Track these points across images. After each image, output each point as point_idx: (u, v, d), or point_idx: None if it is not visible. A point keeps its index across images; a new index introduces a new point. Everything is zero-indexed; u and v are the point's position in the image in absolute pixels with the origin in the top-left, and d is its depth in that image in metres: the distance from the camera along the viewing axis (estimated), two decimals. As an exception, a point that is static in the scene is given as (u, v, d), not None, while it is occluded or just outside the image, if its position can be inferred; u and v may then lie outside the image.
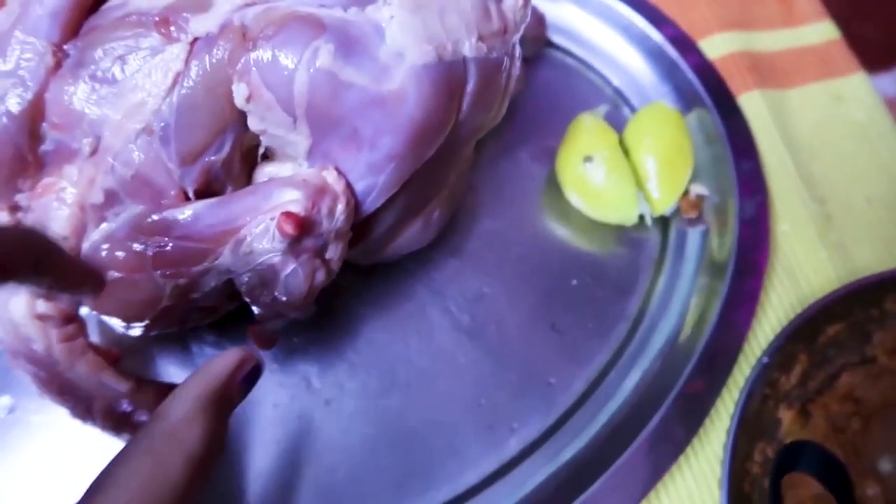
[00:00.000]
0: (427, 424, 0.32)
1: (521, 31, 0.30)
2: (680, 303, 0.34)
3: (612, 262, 0.36)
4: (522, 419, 0.32)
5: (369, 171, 0.27)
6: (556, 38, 0.41)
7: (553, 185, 0.37)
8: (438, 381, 0.33)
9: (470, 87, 0.28)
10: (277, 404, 0.32)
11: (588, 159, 0.35)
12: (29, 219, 0.27)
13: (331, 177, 0.26)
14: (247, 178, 0.29)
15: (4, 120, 0.26)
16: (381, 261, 0.33)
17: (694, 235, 0.36)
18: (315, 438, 0.32)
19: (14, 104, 0.26)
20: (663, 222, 0.36)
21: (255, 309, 0.29)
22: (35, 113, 0.26)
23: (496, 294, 0.35)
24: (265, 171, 0.29)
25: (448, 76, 0.26)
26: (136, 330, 0.30)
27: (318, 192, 0.26)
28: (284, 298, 0.27)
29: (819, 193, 0.37)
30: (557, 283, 0.35)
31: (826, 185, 0.37)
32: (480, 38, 0.28)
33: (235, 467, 0.31)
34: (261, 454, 0.31)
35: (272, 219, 0.25)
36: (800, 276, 0.35)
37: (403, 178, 0.27)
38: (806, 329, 0.32)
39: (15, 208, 0.28)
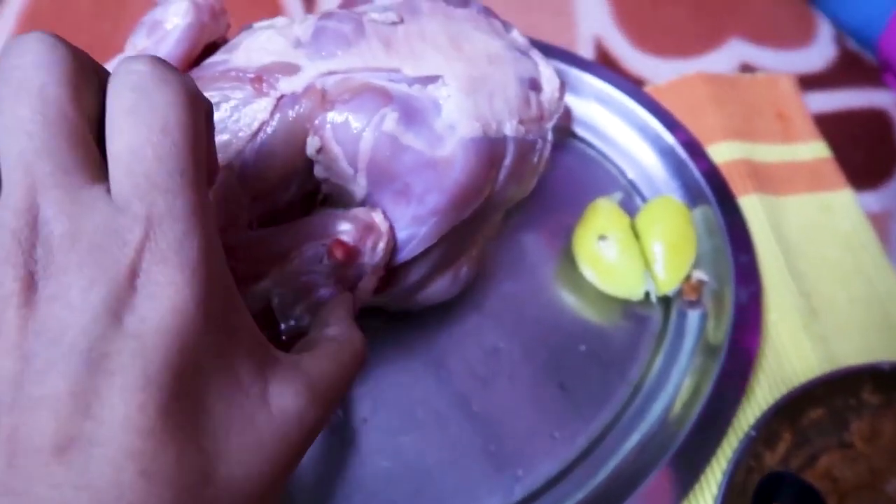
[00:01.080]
0: (440, 464, 0.34)
1: (554, 120, 0.35)
2: (678, 375, 0.37)
3: (618, 333, 0.39)
4: (528, 467, 0.34)
5: (413, 222, 0.30)
6: (581, 131, 0.45)
7: (568, 258, 0.40)
8: (452, 424, 0.35)
9: (507, 161, 0.32)
10: (303, 431, 0.35)
11: (602, 238, 0.39)
12: None
13: (378, 217, 0.30)
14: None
15: None
16: (410, 308, 0.36)
17: (693, 316, 0.39)
18: (334, 467, 0.34)
19: None
20: (666, 302, 0.40)
21: (283, 329, 0.32)
22: None
23: (511, 350, 0.38)
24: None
25: (490, 150, 0.30)
26: None
27: (367, 227, 0.29)
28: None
29: (806, 289, 0.40)
30: (567, 345, 0.38)
31: (813, 283, 0.41)
32: (520, 122, 0.32)
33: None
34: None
35: (324, 245, 0.29)
36: (785, 361, 0.38)
37: (441, 232, 0.31)
38: (790, 409, 0.35)
39: None
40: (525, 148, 0.33)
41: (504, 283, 0.40)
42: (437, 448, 0.35)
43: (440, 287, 0.35)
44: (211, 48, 0.33)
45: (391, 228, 0.30)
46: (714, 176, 0.42)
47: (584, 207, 0.41)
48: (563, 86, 0.35)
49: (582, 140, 0.45)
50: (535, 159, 0.34)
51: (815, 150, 0.46)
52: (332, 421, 0.35)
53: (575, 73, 0.46)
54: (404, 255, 0.31)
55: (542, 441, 0.35)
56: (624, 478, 0.33)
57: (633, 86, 0.45)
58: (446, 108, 0.30)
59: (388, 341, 0.37)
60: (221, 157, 0.29)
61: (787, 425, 0.35)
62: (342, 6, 0.35)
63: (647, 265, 0.39)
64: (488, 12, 0.35)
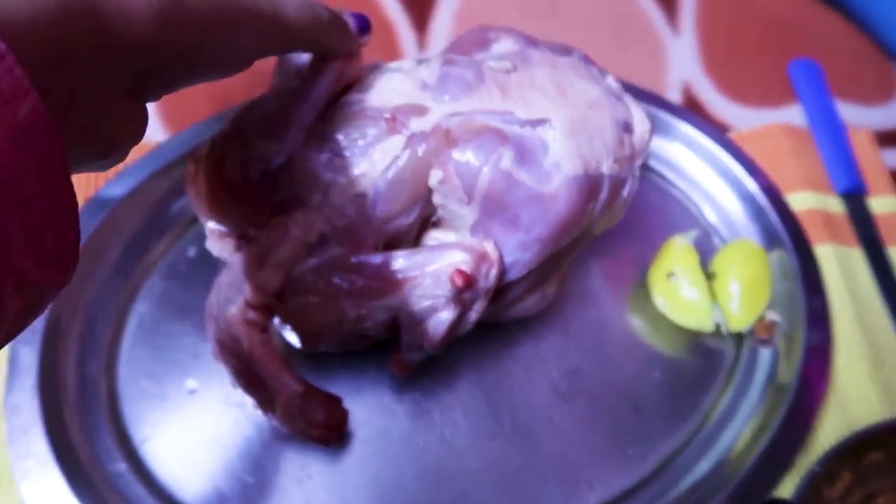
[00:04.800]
0: (523, 468, 0.36)
1: (643, 158, 0.36)
2: (747, 408, 0.38)
3: (691, 363, 0.40)
4: (602, 480, 0.36)
5: (519, 248, 0.33)
6: (666, 171, 0.47)
7: (645, 289, 0.42)
8: (535, 433, 0.37)
9: (602, 196, 0.34)
10: (402, 429, 0.37)
11: (671, 275, 0.40)
12: (253, 246, 0.33)
13: (489, 247, 0.32)
14: (417, 239, 0.35)
15: (261, 173, 0.32)
16: (499, 320, 0.38)
17: (764, 354, 0.40)
18: (428, 464, 0.36)
19: (271, 164, 0.32)
20: (738, 339, 0.41)
21: (404, 339, 0.34)
22: (285, 171, 0.33)
23: (591, 371, 0.39)
24: (432, 235, 0.35)
25: (590, 186, 0.32)
26: (309, 347, 0.36)
27: (482, 257, 0.32)
28: (432, 334, 0.33)
29: (873, 339, 0.41)
30: (643, 371, 0.40)
31: (879, 334, 0.41)
32: (615, 161, 0.34)
33: (353, 476, 0.36)
34: (377, 468, 0.36)
35: (445, 273, 0.31)
36: (848, 405, 0.39)
37: (542, 258, 0.33)
38: (852, 451, 0.36)
39: (244, 237, 0.34)
40: (618, 183, 0.34)
41: (587, 309, 0.42)
42: (521, 454, 0.37)
43: (530, 303, 0.38)
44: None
45: (501, 256, 0.33)
46: (791, 223, 0.43)
47: (661, 242, 0.43)
48: (652, 127, 0.37)
49: (666, 179, 0.47)
50: (625, 193, 0.36)
51: (890, 204, 0.47)
52: (424, 423, 0.37)
53: (663, 117, 0.47)
54: (509, 277, 0.34)
55: (617, 457, 0.37)
56: (693, 499, 0.35)
57: (718, 131, 0.47)
58: (553, 148, 0.32)
59: (480, 356, 0.39)
60: (358, 185, 0.32)
61: (847, 465, 0.36)
62: (454, 49, 0.37)
63: (722, 303, 0.40)
64: (587, 60, 0.37)
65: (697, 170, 0.46)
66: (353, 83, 0.35)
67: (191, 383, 0.38)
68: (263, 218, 0.33)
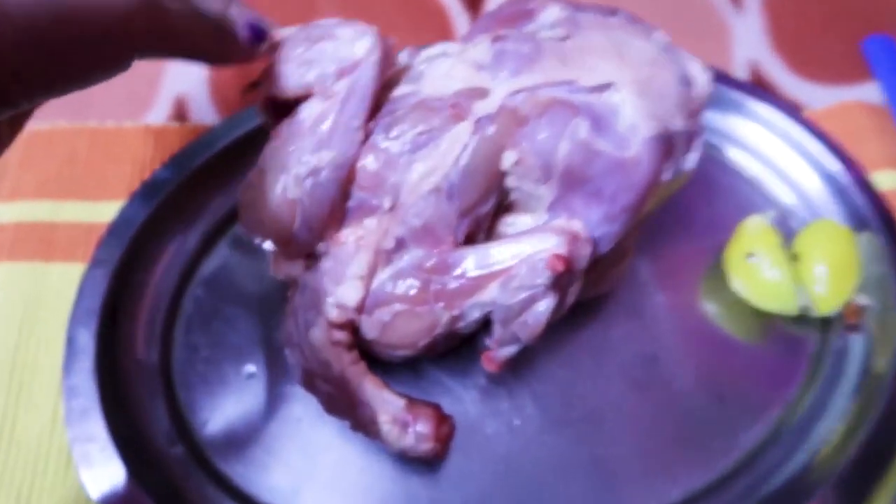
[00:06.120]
0: (593, 459, 0.34)
1: (705, 109, 0.34)
2: (841, 400, 0.35)
3: (774, 351, 0.37)
4: (685, 472, 0.33)
5: (605, 221, 0.30)
6: (737, 151, 0.44)
7: (720, 275, 0.39)
8: (606, 423, 0.35)
9: (678, 154, 0.31)
10: (469, 417, 0.35)
11: (751, 255, 0.38)
12: (326, 262, 0.31)
13: (578, 225, 0.30)
14: (491, 227, 0.33)
15: (325, 185, 0.30)
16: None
17: (857, 343, 0.37)
18: (497, 453, 0.34)
19: (333, 172, 0.30)
20: (825, 324, 0.38)
21: (497, 334, 0.31)
22: (348, 178, 0.31)
23: (667, 359, 0.37)
24: (507, 221, 0.33)
25: (667, 144, 0.30)
26: (399, 357, 0.33)
27: (574, 237, 0.29)
28: (532, 325, 0.30)
29: (974, 325, 0.38)
30: (722, 359, 0.37)
31: (980, 319, 0.38)
32: (684, 116, 0.31)
33: (418, 465, 0.34)
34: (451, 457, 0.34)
35: (542, 259, 0.29)
36: (950, 396, 0.36)
37: (629, 227, 0.31)
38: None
39: (311, 256, 0.32)
40: (688, 138, 0.32)
41: (658, 294, 0.39)
42: (591, 444, 0.34)
43: (612, 277, 0.36)
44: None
45: (590, 234, 0.30)
46: (879, 202, 0.40)
47: (737, 223, 0.40)
48: (711, 76, 0.34)
49: (738, 160, 0.44)
50: (694, 147, 0.33)
51: (984, 183, 0.43)
52: (493, 411, 0.35)
53: (733, 95, 0.44)
54: (598, 252, 0.31)
55: (699, 449, 0.34)
56: (785, 498, 0.32)
57: (794, 109, 0.44)
58: (624, 111, 0.30)
59: (545, 341, 0.36)
60: (429, 180, 0.30)
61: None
62: (492, 23, 0.34)
63: (808, 286, 0.37)
64: (633, 18, 0.35)
65: (773, 149, 0.43)
66: (394, 75, 0.33)
67: (249, 368, 0.36)
68: (332, 231, 0.31)
